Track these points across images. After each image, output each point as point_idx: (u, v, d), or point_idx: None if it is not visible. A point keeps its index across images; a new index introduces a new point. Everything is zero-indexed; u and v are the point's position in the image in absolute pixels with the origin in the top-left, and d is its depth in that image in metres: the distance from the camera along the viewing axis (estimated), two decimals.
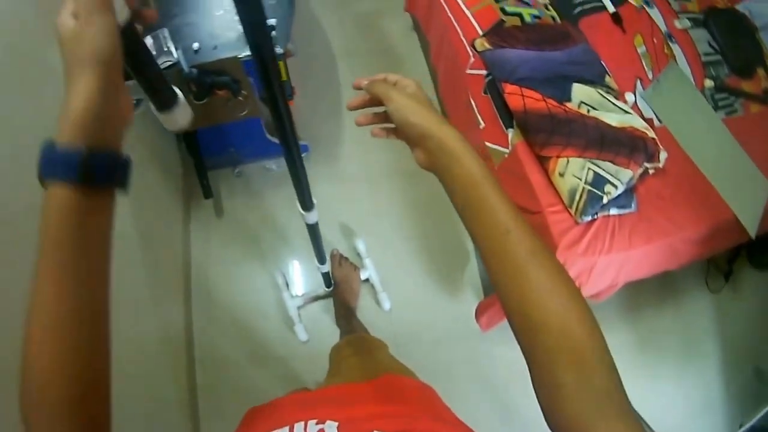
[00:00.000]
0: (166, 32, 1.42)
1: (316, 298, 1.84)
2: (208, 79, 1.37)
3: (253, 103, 1.49)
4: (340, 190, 2.03)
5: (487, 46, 1.61)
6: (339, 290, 1.76)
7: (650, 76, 1.64)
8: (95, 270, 0.43)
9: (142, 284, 1.47)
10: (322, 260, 1.45)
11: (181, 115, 0.66)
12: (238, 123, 1.55)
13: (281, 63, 1.60)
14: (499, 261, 0.48)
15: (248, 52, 1.36)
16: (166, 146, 1.99)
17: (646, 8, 1.84)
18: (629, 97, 1.57)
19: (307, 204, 1.03)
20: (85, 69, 0.41)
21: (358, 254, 1.91)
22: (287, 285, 1.84)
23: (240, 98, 1.46)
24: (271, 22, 1.45)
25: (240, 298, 1.86)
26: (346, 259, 1.83)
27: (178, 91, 0.65)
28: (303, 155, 1.96)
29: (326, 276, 1.65)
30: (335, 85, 2.31)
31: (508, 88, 1.47)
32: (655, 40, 1.73)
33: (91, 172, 0.41)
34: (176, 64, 1.32)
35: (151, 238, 1.62)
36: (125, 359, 1.17)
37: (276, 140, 1.78)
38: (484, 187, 0.51)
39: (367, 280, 1.86)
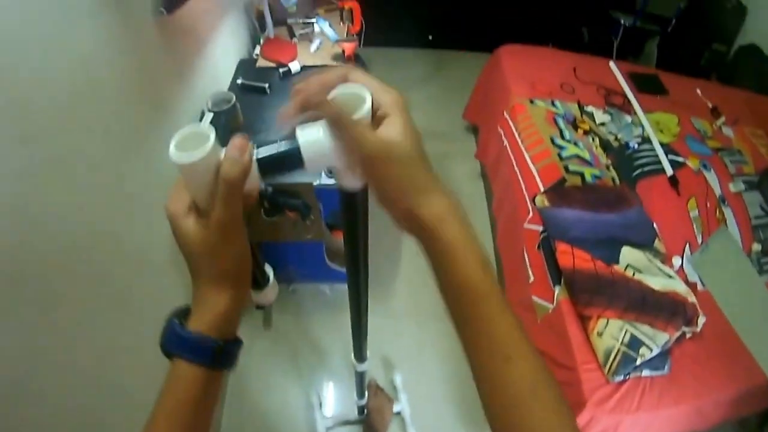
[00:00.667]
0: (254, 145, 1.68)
1: (346, 423, 1.91)
2: (281, 199, 1.48)
3: (319, 228, 1.61)
4: (388, 324, 2.12)
5: (546, 203, 1.82)
6: (370, 419, 1.77)
7: (700, 240, 1.79)
8: (204, 426, 0.49)
9: None
10: (361, 395, 1.54)
11: (271, 293, 0.69)
12: (300, 243, 1.67)
13: None
14: (493, 388, 0.43)
15: (323, 181, 1.57)
16: None
17: (704, 171, 2.01)
18: (676, 260, 1.72)
19: (362, 356, 1.10)
20: (222, 287, 0.47)
21: (394, 387, 1.99)
22: (320, 405, 1.92)
23: (308, 222, 1.59)
24: None
25: (272, 408, 1.95)
26: (382, 389, 1.82)
27: (270, 271, 0.68)
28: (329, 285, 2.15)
29: (361, 407, 1.73)
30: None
31: (561, 247, 1.66)
32: (708, 204, 1.89)
33: (220, 358, 0.48)
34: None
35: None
36: None
37: (335, 267, 2.02)
38: (488, 305, 0.43)
39: (398, 413, 1.92)
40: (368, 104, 0.43)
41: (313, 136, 0.45)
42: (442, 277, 0.44)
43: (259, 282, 0.65)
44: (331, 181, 1.54)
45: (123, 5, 1.22)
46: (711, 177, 2.00)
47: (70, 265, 0.97)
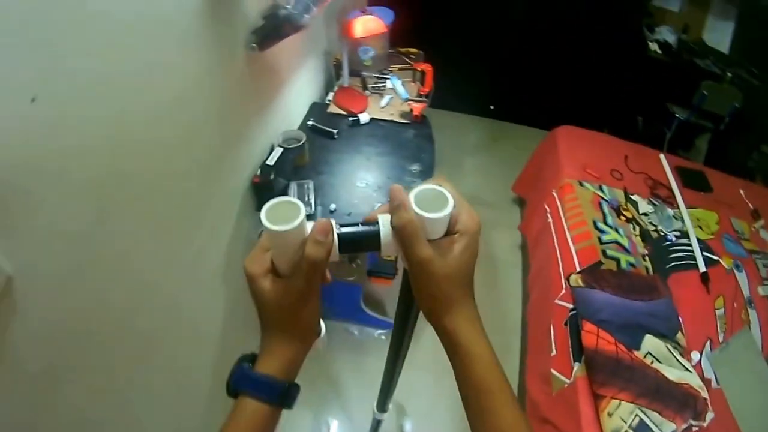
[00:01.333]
0: (311, 184, 1.76)
1: None
2: None
3: (362, 273, 1.74)
4: (405, 372, 2.20)
5: (580, 283, 1.97)
6: None
7: (721, 338, 1.90)
8: None
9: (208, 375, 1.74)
10: None
11: (321, 343, 0.74)
12: (341, 282, 1.81)
13: None
14: None
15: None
16: None
17: (735, 271, 2.13)
18: (695, 355, 1.83)
19: (384, 407, 1.17)
20: (292, 339, 0.55)
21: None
22: None
23: (354, 265, 1.72)
24: None
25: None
26: None
27: (323, 325, 0.73)
28: (384, 331, 2.39)
29: None
30: None
31: (587, 327, 1.80)
32: (735, 304, 2.00)
33: (285, 398, 0.55)
34: (311, 216, 1.54)
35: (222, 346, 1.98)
36: None
37: (368, 312, 2.17)
38: (496, 399, 0.51)
39: None
40: (448, 210, 0.50)
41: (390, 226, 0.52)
42: (459, 373, 0.53)
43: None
44: None
45: (224, 37, 1.42)
46: (742, 278, 2.11)
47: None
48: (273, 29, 1.59)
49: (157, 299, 1.26)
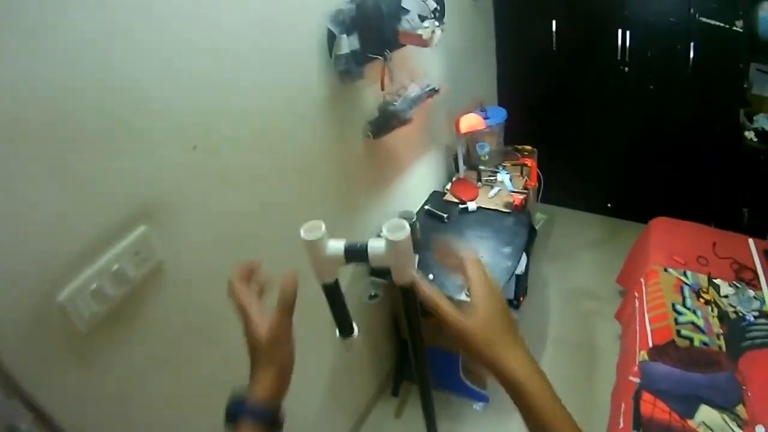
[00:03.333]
0: (416, 258, 1.95)
1: None
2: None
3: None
4: None
5: (646, 357, 2.16)
6: None
7: None
8: None
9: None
10: None
11: (353, 342, 0.88)
12: (440, 349, 1.91)
13: None
14: None
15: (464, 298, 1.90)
16: (384, 342, 2.61)
17: None
18: (759, 429, 1.87)
19: None
20: (275, 370, 0.64)
21: None
22: None
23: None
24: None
25: None
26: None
27: (356, 327, 0.87)
28: (482, 404, 2.56)
29: None
30: None
31: (645, 396, 1.97)
32: None
33: (275, 421, 0.64)
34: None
35: (340, 395, 2.28)
36: None
37: (467, 383, 2.40)
38: (555, 423, 0.55)
39: None
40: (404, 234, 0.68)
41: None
42: (527, 416, 0.57)
43: (347, 332, 0.87)
44: None
45: (344, 124, 1.82)
46: None
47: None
48: (384, 121, 1.94)
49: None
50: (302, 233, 0.71)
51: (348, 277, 2.21)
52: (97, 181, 1.03)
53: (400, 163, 2.49)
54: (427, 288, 0.64)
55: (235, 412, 0.62)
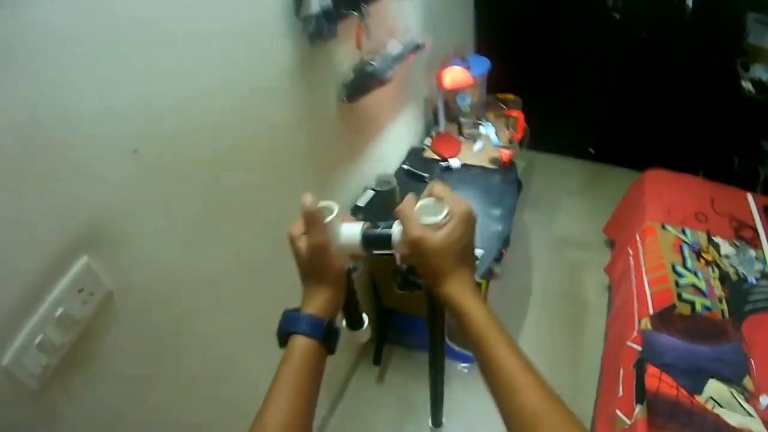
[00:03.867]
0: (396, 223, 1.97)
1: None
2: (410, 277, 1.76)
3: None
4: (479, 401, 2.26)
5: (649, 326, 2.05)
6: None
7: None
8: (313, 395, 0.62)
9: None
10: None
11: (364, 335, 0.85)
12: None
13: (484, 281, 2.07)
14: (505, 416, 0.54)
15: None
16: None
17: None
18: (763, 399, 1.82)
19: (437, 422, 1.25)
20: (323, 287, 0.66)
21: None
22: None
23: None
24: (479, 252, 1.84)
25: None
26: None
27: (365, 317, 0.83)
28: (467, 365, 2.43)
29: None
30: (521, 317, 2.77)
31: (651, 370, 1.86)
32: None
33: (328, 334, 0.64)
34: (392, 255, 1.85)
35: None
36: None
37: (453, 346, 2.30)
38: (495, 350, 0.56)
39: None
40: (443, 214, 0.62)
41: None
42: (464, 332, 0.60)
43: (356, 325, 0.83)
44: None
45: (316, 90, 1.62)
46: None
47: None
48: (361, 83, 1.77)
49: (236, 369, 1.52)
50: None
51: None
52: (21, 220, 0.81)
53: (378, 124, 2.27)
54: (404, 205, 0.64)
55: (287, 327, 0.63)
